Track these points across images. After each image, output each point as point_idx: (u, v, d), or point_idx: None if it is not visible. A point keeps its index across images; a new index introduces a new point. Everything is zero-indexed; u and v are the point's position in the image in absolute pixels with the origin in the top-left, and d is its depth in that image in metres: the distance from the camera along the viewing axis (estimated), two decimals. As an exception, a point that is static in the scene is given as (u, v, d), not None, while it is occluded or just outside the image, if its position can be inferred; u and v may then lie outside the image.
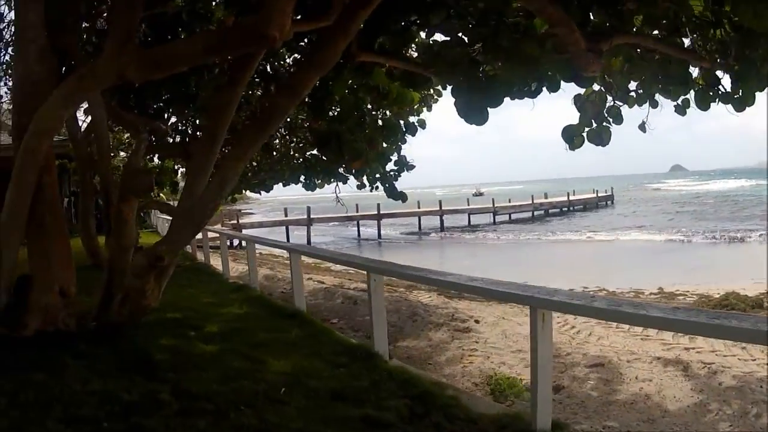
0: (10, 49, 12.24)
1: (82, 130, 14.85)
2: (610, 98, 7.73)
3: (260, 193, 20.15)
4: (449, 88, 6.72)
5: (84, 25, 8.89)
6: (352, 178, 13.97)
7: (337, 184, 14.79)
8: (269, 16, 5.25)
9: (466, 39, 6.26)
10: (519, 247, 39.57)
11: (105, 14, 9.38)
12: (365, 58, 7.44)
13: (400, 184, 13.44)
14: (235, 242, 30.44)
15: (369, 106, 11.06)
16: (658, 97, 7.72)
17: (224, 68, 9.25)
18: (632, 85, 7.73)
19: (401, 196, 13.38)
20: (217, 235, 17.80)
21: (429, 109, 12.62)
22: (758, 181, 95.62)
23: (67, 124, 13.01)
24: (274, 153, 15.03)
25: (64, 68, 7.52)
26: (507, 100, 6.44)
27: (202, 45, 6.15)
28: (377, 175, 13.36)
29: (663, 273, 22.70)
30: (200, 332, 7.48)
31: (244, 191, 21.38)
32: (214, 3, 8.89)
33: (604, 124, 7.67)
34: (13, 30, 11.79)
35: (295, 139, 14.87)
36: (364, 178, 13.67)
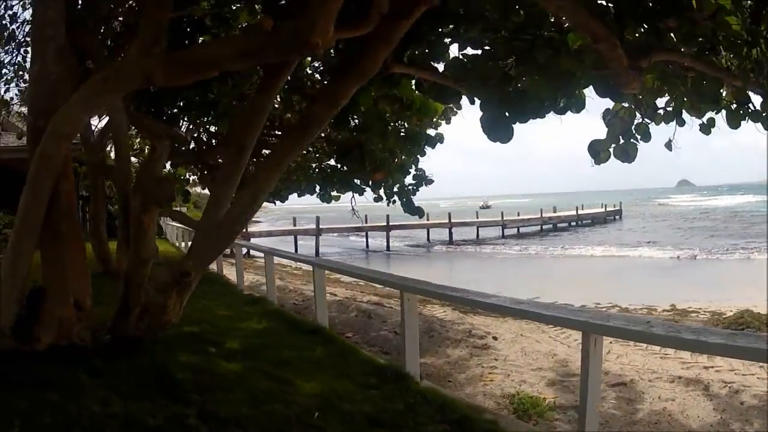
0: (22, 50, 12.07)
1: (95, 134, 14.69)
2: (638, 115, 7.61)
3: (275, 203, 19.95)
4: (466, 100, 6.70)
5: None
6: (368, 190, 13.73)
7: (353, 196, 14.53)
8: (313, 22, 5.01)
9: (497, 52, 6.07)
10: (529, 261, 39.58)
11: (122, 17, 9.15)
12: (397, 69, 7.22)
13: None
14: (243, 251, 30.20)
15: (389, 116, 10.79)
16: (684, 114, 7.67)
17: (248, 75, 9.01)
18: (660, 102, 7.66)
19: (418, 212, 13.16)
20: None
21: (448, 121, 12.38)
22: (765, 197, 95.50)
23: (78, 127, 12.80)
24: (291, 163, 14.77)
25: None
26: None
27: (238, 49, 5.85)
28: (395, 189, 13.13)
29: (674, 289, 22.85)
30: (221, 348, 7.19)
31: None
32: (235, 6, 8.59)
33: (631, 140, 7.51)
34: (26, 30, 11.62)
35: (311, 149, 14.63)
36: (382, 190, 13.41)
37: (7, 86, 13.65)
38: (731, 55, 6.46)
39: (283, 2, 6.96)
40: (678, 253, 40.50)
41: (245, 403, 5.14)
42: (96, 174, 15.44)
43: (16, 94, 14.90)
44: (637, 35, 5.91)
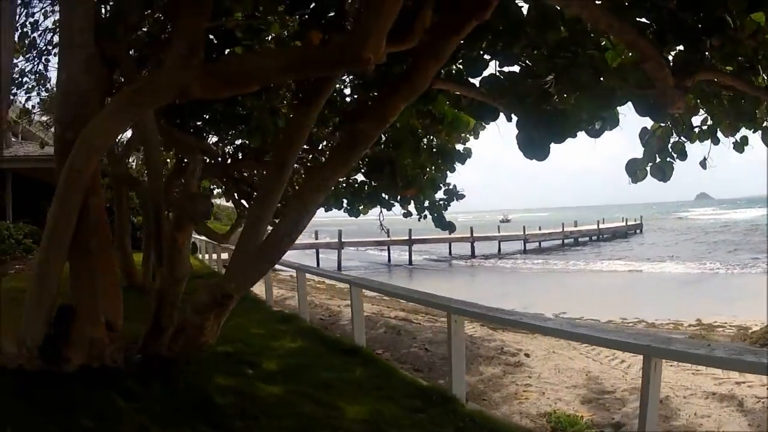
0: (43, 59, 11.98)
1: (120, 145, 14.59)
2: (674, 133, 7.72)
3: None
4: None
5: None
6: (396, 204, 13.53)
7: (381, 211, 14.32)
8: (365, 36, 4.78)
9: (537, 69, 6.00)
10: (553, 275, 39.44)
11: (148, 27, 8.97)
12: (438, 85, 7.03)
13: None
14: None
15: (420, 131, 10.64)
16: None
17: (280, 90, 8.83)
18: (696, 121, 7.78)
19: (450, 226, 12.98)
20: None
21: (476, 136, 12.22)
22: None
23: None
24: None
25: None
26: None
27: (282, 62, 5.61)
28: (425, 204, 12.94)
29: (698, 304, 22.87)
30: (258, 370, 6.99)
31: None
32: (272, 18, 8.40)
33: (668, 159, 7.61)
34: (47, 38, 11.52)
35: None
36: (411, 206, 13.21)
37: (28, 95, 13.58)
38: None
39: (332, 15, 6.80)
40: (701, 266, 40.56)
41: (291, 429, 4.95)
42: (120, 186, 15.27)
43: (37, 103, 14.84)
44: (672, 53, 5.84)
